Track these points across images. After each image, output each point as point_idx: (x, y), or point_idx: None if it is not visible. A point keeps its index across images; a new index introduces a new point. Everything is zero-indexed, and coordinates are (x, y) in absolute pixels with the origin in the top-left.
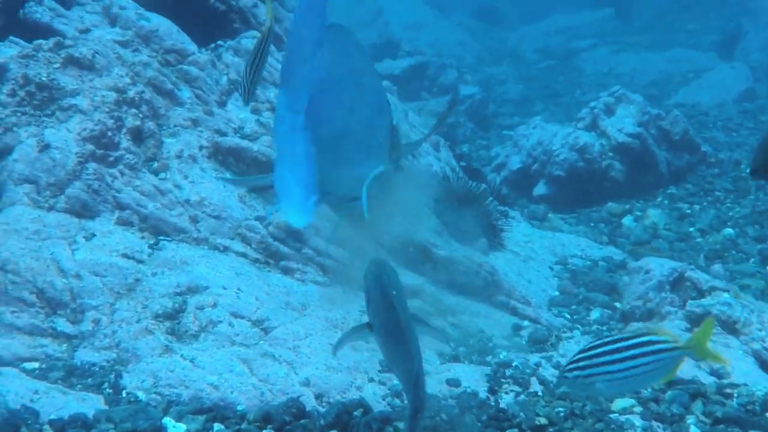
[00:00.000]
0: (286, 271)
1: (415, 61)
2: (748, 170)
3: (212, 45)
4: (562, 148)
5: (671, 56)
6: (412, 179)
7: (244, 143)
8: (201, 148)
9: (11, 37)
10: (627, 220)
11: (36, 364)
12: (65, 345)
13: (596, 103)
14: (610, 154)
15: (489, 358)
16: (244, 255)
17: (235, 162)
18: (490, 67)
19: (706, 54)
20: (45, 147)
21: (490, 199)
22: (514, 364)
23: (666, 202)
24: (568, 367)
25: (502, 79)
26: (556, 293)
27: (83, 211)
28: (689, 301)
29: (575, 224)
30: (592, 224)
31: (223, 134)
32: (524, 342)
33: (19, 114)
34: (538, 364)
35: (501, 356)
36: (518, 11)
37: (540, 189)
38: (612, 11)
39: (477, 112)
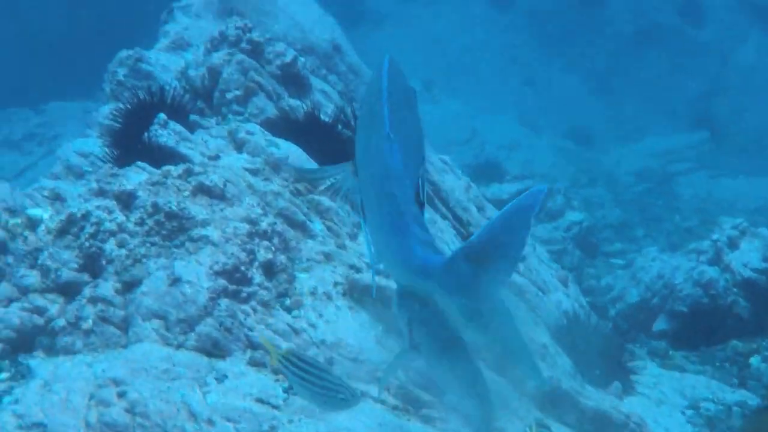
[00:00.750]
0: (427, 421)
1: (524, 185)
2: None
3: None
4: (685, 282)
5: None
6: (544, 317)
7: (382, 281)
8: (336, 284)
9: (138, 163)
10: (755, 361)
11: None
12: None
13: (719, 235)
14: (735, 290)
15: None
16: (381, 401)
17: (371, 300)
18: (585, 189)
19: None
20: (175, 281)
21: (620, 339)
22: None
23: None
24: None
25: (599, 202)
26: None
27: (214, 350)
28: None
29: (699, 363)
30: (717, 363)
31: (358, 270)
32: None
33: (148, 245)
34: None
35: None
36: (611, 132)
37: (660, 324)
38: (708, 134)
39: (585, 240)
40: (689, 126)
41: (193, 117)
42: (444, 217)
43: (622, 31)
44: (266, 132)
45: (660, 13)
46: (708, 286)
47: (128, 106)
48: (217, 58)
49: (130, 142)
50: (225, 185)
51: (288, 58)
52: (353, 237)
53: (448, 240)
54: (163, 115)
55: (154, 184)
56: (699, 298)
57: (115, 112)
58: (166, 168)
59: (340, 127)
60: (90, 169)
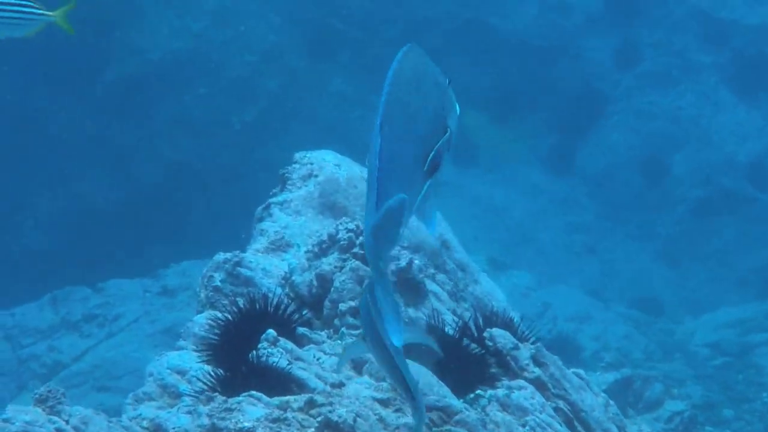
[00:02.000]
0: None
1: (621, 375)
2: None
3: (471, 395)
4: None
5: None
6: None
7: None
8: None
9: (252, 393)
10: None
11: None
12: None
13: None
14: None
15: None
16: None
17: None
18: (661, 363)
19: None
20: None
21: None
22: None
23: None
24: None
25: (679, 378)
26: None
27: None
28: None
29: None
30: None
31: None
32: None
33: None
34: None
35: None
36: (680, 301)
37: None
38: None
39: (687, 431)
40: (762, 294)
41: (301, 330)
42: None
43: (686, 196)
44: None
45: (726, 178)
46: None
47: (228, 316)
48: (327, 264)
49: (233, 359)
50: (355, 421)
51: (403, 263)
52: None
53: None
54: (273, 332)
55: (274, 420)
56: None
57: (212, 323)
58: (284, 399)
59: (465, 341)
60: (187, 389)
